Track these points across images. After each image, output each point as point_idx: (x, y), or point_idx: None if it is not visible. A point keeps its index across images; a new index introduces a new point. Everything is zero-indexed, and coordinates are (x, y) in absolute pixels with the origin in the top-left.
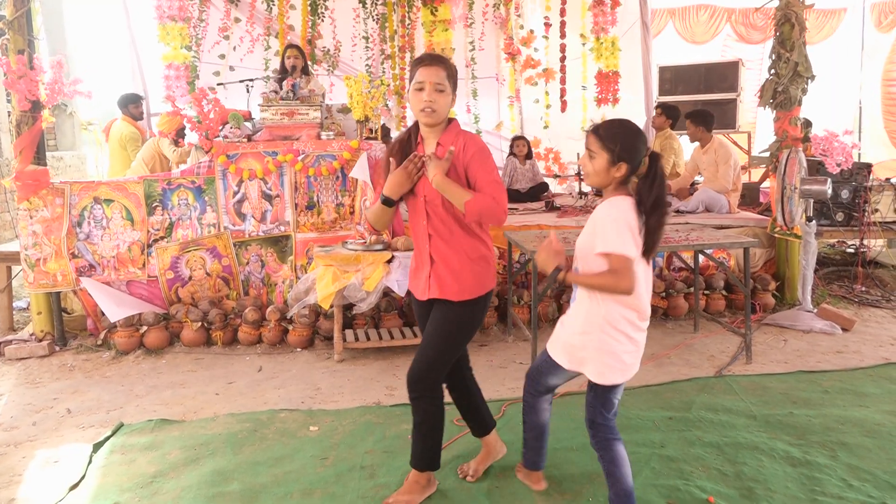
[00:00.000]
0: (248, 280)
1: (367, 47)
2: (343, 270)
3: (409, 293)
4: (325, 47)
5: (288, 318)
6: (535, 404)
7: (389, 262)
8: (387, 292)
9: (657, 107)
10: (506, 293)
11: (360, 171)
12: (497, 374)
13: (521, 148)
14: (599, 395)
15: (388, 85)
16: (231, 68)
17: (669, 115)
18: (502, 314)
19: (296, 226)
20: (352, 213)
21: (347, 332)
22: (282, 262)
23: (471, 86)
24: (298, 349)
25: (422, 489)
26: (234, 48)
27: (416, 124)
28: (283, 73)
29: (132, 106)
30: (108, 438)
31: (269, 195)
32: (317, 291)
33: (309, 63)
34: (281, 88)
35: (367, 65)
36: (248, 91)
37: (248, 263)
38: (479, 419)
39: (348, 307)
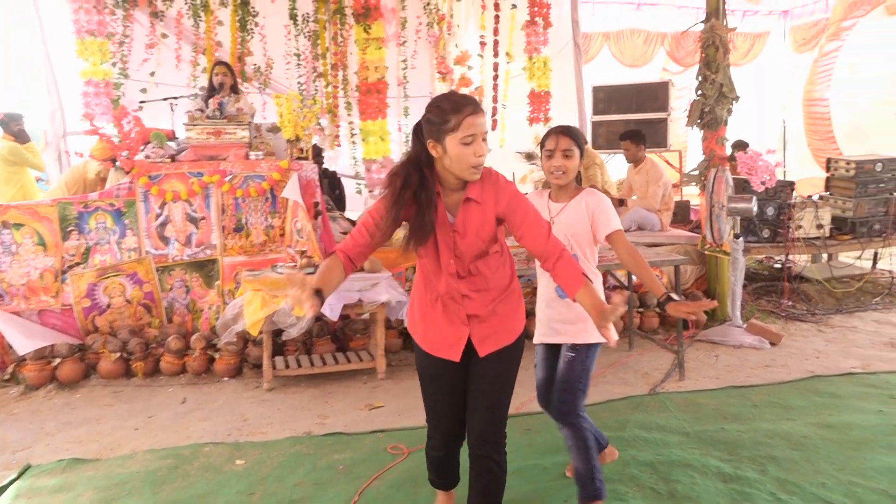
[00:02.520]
0: (172, 307)
1: (298, 65)
2: (273, 295)
3: (418, 353)
4: (255, 65)
5: (215, 346)
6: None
7: None
8: (318, 317)
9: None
10: None
11: (291, 192)
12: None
13: None
14: (588, 360)
15: (321, 104)
16: (157, 85)
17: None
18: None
19: (223, 249)
20: (282, 235)
21: (278, 359)
22: (208, 288)
23: (402, 104)
24: (225, 378)
25: None
26: (160, 65)
27: (432, 168)
28: (212, 90)
29: (13, 124)
30: (12, 482)
31: (195, 217)
32: (245, 317)
33: (239, 81)
34: (207, 107)
35: (299, 83)
36: (172, 109)
37: (171, 289)
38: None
39: (278, 333)
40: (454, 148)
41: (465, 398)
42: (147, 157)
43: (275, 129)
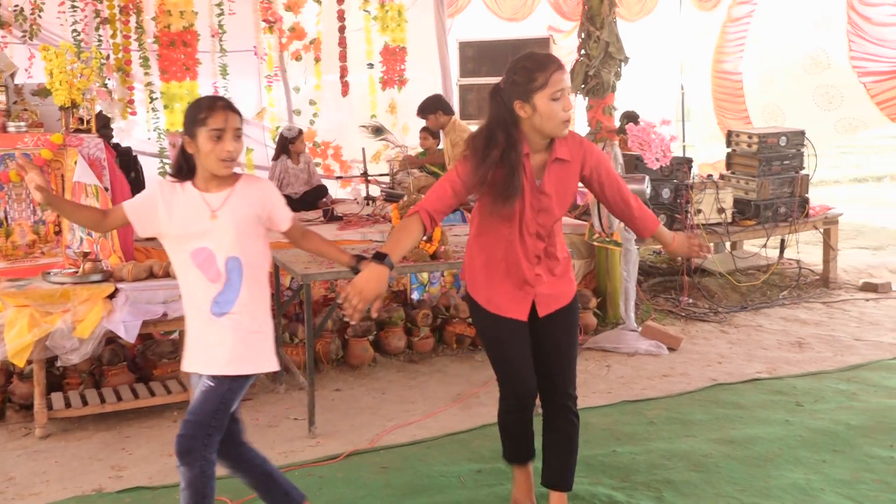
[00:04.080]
0: None
1: (74, 7)
2: (44, 312)
3: (483, 313)
4: (16, 6)
5: None
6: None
7: (112, 296)
8: (111, 338)
9: (420, 113)
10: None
11: (84, 175)
12: (265, 436)
13: (300, 145)
14: (235, 391)
15: (106, 59)
16: None
17: (436, 109)
18: None
19: None
20: (58, 233)
21: (55, 397)
22: None
23: (219, 61)
24: None
25: None
26: None
27: (518, 129)
28: None
29: None
30: None
31: None
32: (6, 343)
33: None
34: None
35: (74, 31)
36: None
37: None
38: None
39: (53, 361)
40: (544, 105)
41: (531, 358)
42: None
43: (43, 93)
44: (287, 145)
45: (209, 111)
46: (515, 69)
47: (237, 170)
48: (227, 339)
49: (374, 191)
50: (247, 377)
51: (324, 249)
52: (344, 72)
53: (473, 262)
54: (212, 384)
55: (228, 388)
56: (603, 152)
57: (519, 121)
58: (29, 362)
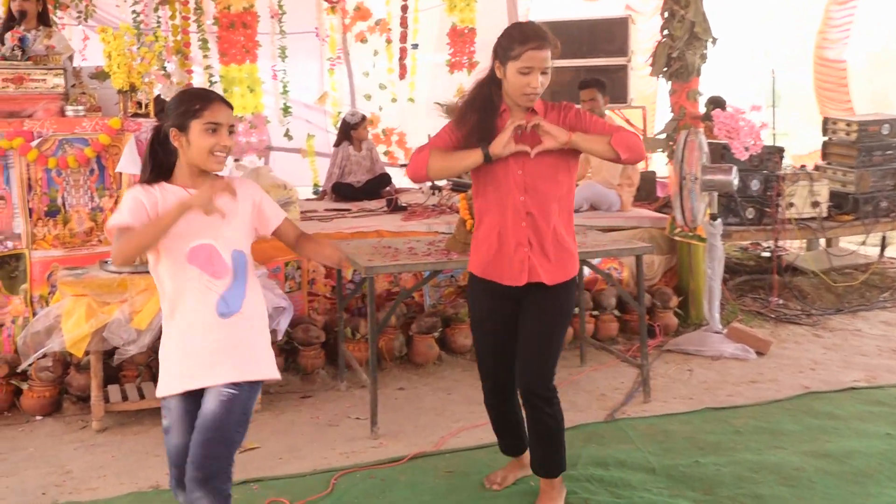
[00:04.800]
0: None
1: None
2: (102, 302)
3: (475, 280)
4: None
5: (21, 372)
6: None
7: None
8: None
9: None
10: (335, 325)
11: (128, 163)
12: (325, 435)
13: (363, 132)
14: (253, 397)
15: (166, 41)
16: None
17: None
18: (331, 354)
19: (31, 240)
20: None
21: (112, 389)
22: (10, 294)
23: (279, 43)
24: (38, 417)
25: (559, 494)
26: None
27: (499, 86)
28: (10, 22)
29: None
30: None
31: None
32: (63, 333)
33: (50, 9)
34: (3, 43)
35: (134, 12)
36: None
37: None
38: (522, 439)
39: (111, 353)
40: (512, 74)
41: (506, 347)
42: None
43: (101, 76)
44: (349, 131)
45: (204, 102)
46: (505, 32)
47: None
48: (242, 339)
49: (440, 182)
50: (260, 383)
51: (327, 252)
52: (402, 54)
53: (476, 233)
54: (234, 392)
55: (248, 395)
56: (581, 108)
57: (499, 80)
58: (86, 354)
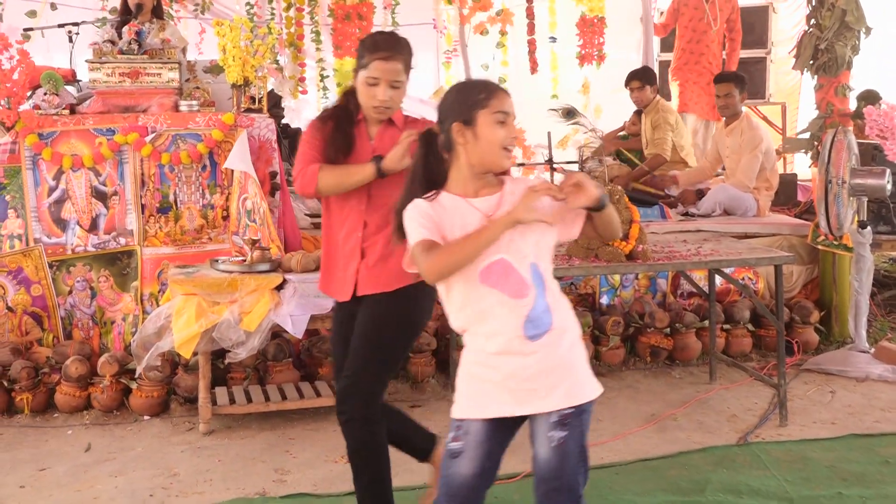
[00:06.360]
0: (72, 317)
1: None
2: (212, 302)
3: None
4: None
5: (131, 372)
6: None
7: (280, 288)
8: (276, 332)
9: (631, 79)
10: (446, 332)
11: (238, 160)
12: None
13: None
14: (585, 423)
15: (280, 34)
16: (53, 6)
17: (650, 80)
18: (442, 362)
19: (143, 237)
20: (225, 218)
21: (219, 392)
22: (122, 291)
23: None
24: (146, 417)
25: None
26: None
27: (356, 97)
28: (126, 14)
29: None
30: None
31: (103, 193)
32: (173, 333)
33: (165, 1)
34: (120, 37)
35: (248, 4)
36: (71, 41)
37: (70, 293)
38: (416, 448)
39: (220, 355)
40: (360, 84)
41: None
42: (36, 107)
43: (215, 70)
44: None
45: (489, 91)
46: (361, 40)
47: None
48: (559, 361)
49: (558, 179)
50: (589, 405)
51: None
52: (532, 47)
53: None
54: (562, 434)
55: (579, 427)
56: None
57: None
58: (194, 354)
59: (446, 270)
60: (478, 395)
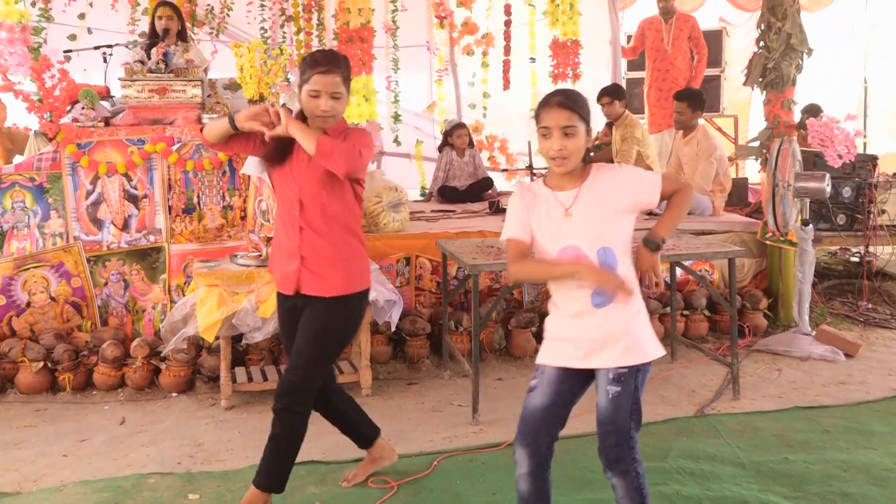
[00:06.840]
0: (107, 306)
1: (262, 6)
2: (231, 292)
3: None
4: (208, 5)
5: (160, 354)
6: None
7: None
8: None
9: (602, 95)
10: (440, 317)
11: (253, 167)
12: (430, 420)
13: (463, 138)
14: (640, 381)
15: (290, 55)
16: (89, 31)
17: (619, 96)
18: (436, 344)
19: (170, 235)
20: (243, 217)
21: (238, 371)
22: (151, 283)
23: (391, 56)
24: (174, 394)
25: None
26: (91, 4)
27: (300, 113)
28: (154, 38)
29: None
30: None
31: (135, 195)
32: (197, 319)
33: (188, 26)
34: (149, 58)
35: (262, 28)
36: (105, 61)
37: (106, 284)
38: (360, 433)
39: (239, 339)
40: (305, 97)
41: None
42: (75, 120)
43: (233, 87)
44: (447, 138)
45: (540, 107)
46: (302, 58)
47: None
48: (622, 327)
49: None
50: (646, 366)
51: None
52: (506, 66)
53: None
54: (617, 388)
55: (634, 381)
56: (358, 133)
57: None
58: (216, 338)
59: (524, 281)
60: (553, 347)
